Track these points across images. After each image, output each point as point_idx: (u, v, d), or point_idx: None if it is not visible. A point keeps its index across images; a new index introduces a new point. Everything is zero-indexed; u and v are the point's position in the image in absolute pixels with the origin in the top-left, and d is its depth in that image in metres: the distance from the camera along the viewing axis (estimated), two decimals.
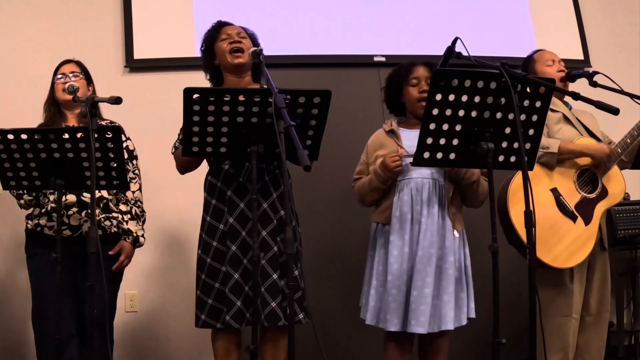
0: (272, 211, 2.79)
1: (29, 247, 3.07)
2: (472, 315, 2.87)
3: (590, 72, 3.17)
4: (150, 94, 3.93)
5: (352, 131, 3.74)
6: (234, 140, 2.53)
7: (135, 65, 3.97)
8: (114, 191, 3.05)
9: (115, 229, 3.07)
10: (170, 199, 3.83)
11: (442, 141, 2.47)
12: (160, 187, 3.71)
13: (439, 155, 2.50)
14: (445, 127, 2.45)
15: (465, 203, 2.97)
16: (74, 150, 2.59)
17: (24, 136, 2.56)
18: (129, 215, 3.09)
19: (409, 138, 2.88)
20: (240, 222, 2.75)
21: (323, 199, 3.97)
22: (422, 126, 2.46)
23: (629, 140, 3.11)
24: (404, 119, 3.05)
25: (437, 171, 2.88)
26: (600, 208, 3.12)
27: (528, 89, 2.45)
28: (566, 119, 3.22)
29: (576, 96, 2.52)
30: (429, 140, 2.47)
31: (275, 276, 2.71)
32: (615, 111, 2.41)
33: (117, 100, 2.47)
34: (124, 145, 2.95)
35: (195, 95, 2.45)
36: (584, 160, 3.13)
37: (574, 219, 3.07)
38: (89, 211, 2.94)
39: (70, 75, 3.11)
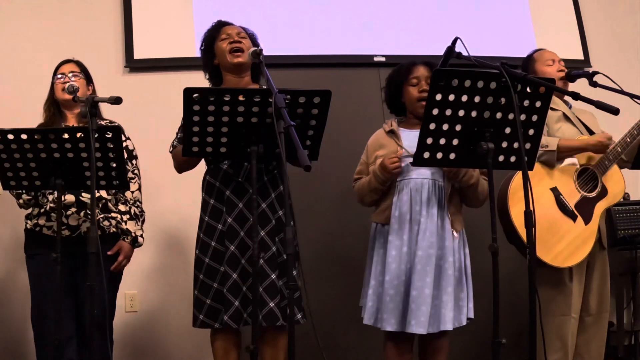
0: (270, 211, 2.78)
1: (28, 247, 3.07)
2: (471, 315, 2.87)
3: (590, 72, 3.18)
4: (150, 94, 3.93)
5: (352, 131, 3.73)
6: (234, 140, 2.53)
7: (135, 65, 3.97)
8: (113, 191, 3.05)
9: (114, 229, 3.07)
10: (170, 199, 3.83)
11: (442, 141, 2.47)
12: (160, 187, 3.71)
13: (439, 155, 2.50)
14: (445, 127, 2.45)
15: (465, 203, 2.97)
16: (74, 150, 2.59)
17: (24, 136, 2.56)
18: (127, 216, 3.09)
19: (409, 138, 2.88)
20: (239, 222, 2.75)
21: (323, 199, 3.97)
22: (422, 126, 2.46)
23: (628, 139, 3.12)
24: (404, 119, 3.05)
25: (436, 171, 2.87)
26: (600, 207, 3.12)
27: (528, 89, 2.45)
28: (566, 118, 3.23)
29: (576, 96, 2.52)
30: (429, 140, 2.47)
31: (273, 276, 2.71)
32: (615, 111, 2.41)
33: (117, 100, 2.47)
34: (124, 145, 2.95)
35: (195, 95, 2.45)
36: (584, 158, 3.14)
37: (573, 218, 3.07)
38: (88, 211, 2.95)
39: (70, 75, 3.11)
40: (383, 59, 4.17)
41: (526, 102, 2.46)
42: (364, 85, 4.11)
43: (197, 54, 3.12)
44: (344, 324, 3.76)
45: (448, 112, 2.43)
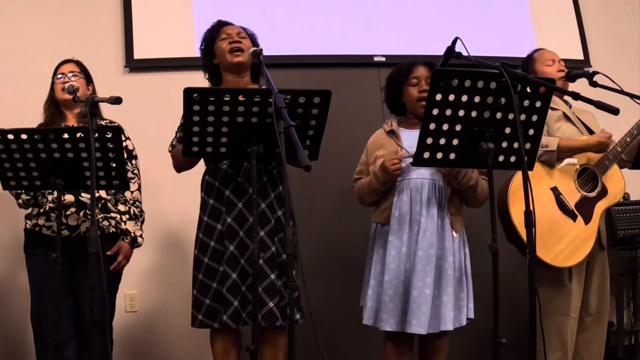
0: (270, 211, 2.78)
1: (28, 247, 3.07)
2: (471, 315, 2.87)
3: (590, 72, 3.17)
4: (150, 94, 3.93)
5: (352, 131, 3.73)
6: (234, 140, 2.53)
7: (135, 65, 3.97)
8: (113, 191, 3.05)
9: (114, 229, 3.07)
10: (170, 199, 3.83)
11: (442, 141, 2.47)
12: (159, 187, 3.71)
13: (439, 155, 2.50)
14: (445, 127, 2.45)
15: (465, 203, 2.97)
16: (74, 150, 2.59)
17: (24, 136, 2.56)
18: (127, 216, 3.09)
19: (409, 138, 2.88)
20: (239, 222, 2.74)
21: (323, 199, 3.97)
22: (422, 126, 2.46)
23: (628, 139, 3.12)
24: (404, 119, 3.05)
25: (436, 172, 2.87)
26: (600, 207, 3.12)
27: (528, 89, 2.45)
28: (566, 117, 3.23)
29: (576, 96, 2.52)
30: (429, 140, 2.47)
31: (273, 276, 2.71)
32: (615, 111, 2.41)
33: (117, 100, 2.47)
34: (124, 145, 2.95)
35: (195, 95, 2.45)
36: (584, 158, 3.14)
37: (573, 218, 3.07)
38: (87, 211, 2.95)
39: (70, 75, 3.11)
40: (383, 59, 4.17)
41: (526, 102, 2.46)
42: (364, 85, 4.11)
43: (197, 54, 3.12)
44: (344, 324, 3.76)
45: (448, 112, 2.43)
